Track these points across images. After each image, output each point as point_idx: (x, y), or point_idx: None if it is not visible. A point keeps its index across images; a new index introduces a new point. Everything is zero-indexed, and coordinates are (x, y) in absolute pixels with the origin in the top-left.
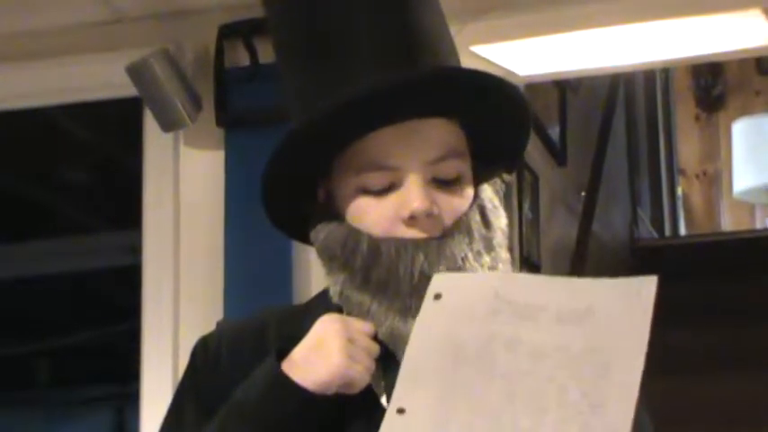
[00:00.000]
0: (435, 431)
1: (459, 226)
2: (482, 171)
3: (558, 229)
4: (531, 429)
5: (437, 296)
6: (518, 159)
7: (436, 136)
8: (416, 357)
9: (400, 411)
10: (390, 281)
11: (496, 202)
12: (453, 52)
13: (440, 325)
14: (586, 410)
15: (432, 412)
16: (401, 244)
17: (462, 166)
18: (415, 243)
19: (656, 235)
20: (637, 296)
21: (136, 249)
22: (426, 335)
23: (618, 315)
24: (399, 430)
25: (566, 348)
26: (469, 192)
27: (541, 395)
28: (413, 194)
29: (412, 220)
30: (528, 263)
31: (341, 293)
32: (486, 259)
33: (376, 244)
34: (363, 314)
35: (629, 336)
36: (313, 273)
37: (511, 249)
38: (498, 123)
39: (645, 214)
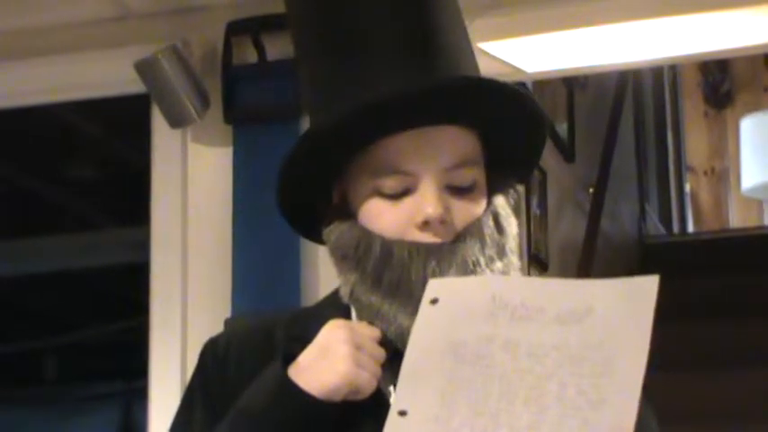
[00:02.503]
0: (438, 428)
1: (472, 231)
2: (496, 180)
3: (567, 225)
4: (532, 427)
5: (433, 301)
6: (532, 170)
7: (452, 143)
8: (416, 360)
9: (402, 413)
10: (402, 284)
11: (508, 209)
12: (471, 55)
13: (438, 328)
14: (587, 407)
15: (433, 413)
16: (414, 248)
17: (477, 174)
18: (428, 247)
19: (663, 231)
20: (638, 295)
21: (144, 246)
22: (425, 338)
23: (618, 314)
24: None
25: (565, 347)
26: (483, 199)
27: (541, 393)
28: (427, 200)
29: (425, 226)
30: (536, 260)
31: (351, 293)
32: (499, 265)
33: (389, 247)
34: (373, 315)
35: (630, 335)
36: (321, 269)
37: (519, 246)
38: (514, 134)
39: (653, 211)
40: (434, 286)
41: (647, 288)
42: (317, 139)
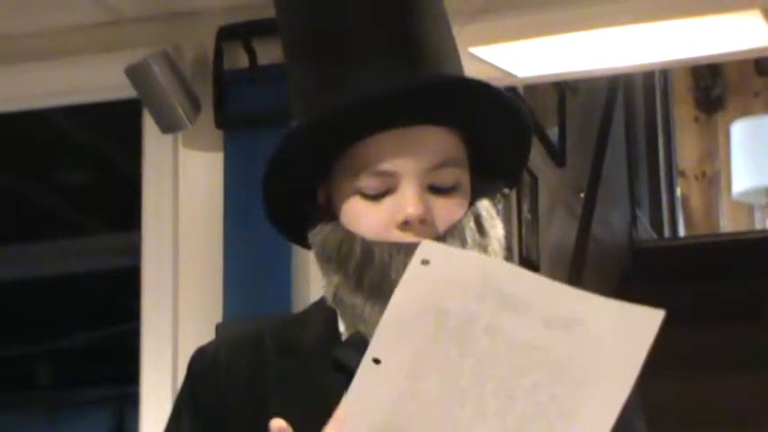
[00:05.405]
0: (407, 386)
1: (453, 232)
2: (482, 186)
3: (558, 230)
4: (499, 413)
5: (424, 261)
6: (519, 174)
7: (434, 143)
8: (398, 314)
9: (376, 361)
10: (383, 284)
11: (493, 212)
12: (456, 58)
13: (425, 289)
14: (555, 414)
15: (406, 370)
16: (394, 248)
17: (459, 175)
18: (408, 247)
19: (655, 236)
20: (638, 325)
21: (135, 251)
22: (410, 295)
23: (612, 336)
24: (373, 379)
25: (546, 350)
26: (465, 201)
27: (512, 386)
28: (407, 200)
29: (405, 225)
30: (527, 263)
31: (335, 296)
32: None
33: (369, 247)
34: (356, 318)
35: (619, 360)
36: (312, 274)
37: (510, 250)
38: (498, 136)
39: (644, 215)
40: (427, 248)
41: (649, 320)
42: (297, 141)
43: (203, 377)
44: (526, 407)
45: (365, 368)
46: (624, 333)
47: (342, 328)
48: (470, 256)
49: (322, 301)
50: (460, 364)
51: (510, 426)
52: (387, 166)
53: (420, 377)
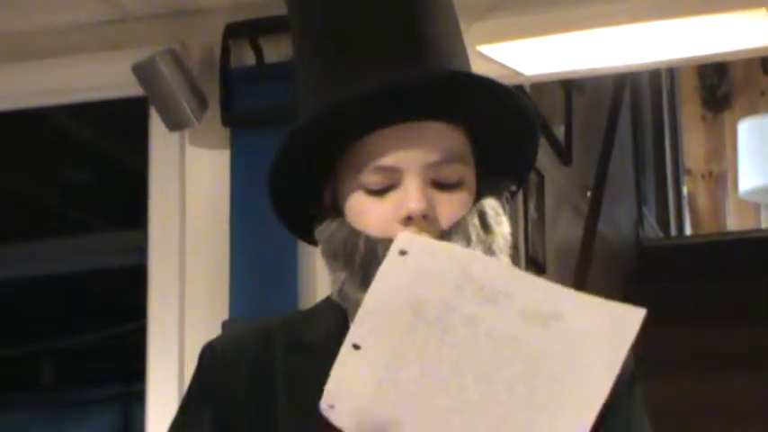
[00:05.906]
0: (387, 372)
1: (457, 229)
2: (488, 183)
3: (564, 228)
4: (480, 405)
5: (402, 252)
6: (527, 172)
7: (438, 139)
8: (376, 302)
9: (356, 347)
10: None
11: (499, 210)
12: (463, 54)
13: (403, 279)
14: (535, 407)
15: (385, 356)
16: None
17: (464, 172)
18: None
19: (661, 235)
20: (619, 323)
21: (141, 249)
22: (389, 284)
23: (591, 333)
24: (353, 364)
25: (524, 343)
26: (470, 198)
27: (492, 377)
28: (410, 195)
29: (408, 221)
30: (533, 263)
31: (340, 291)
32: None
33: (373, 244)
34: None
35: (598, 357)
36: (318, 272)
37: (516, 249)
38: (503, 133)
39: (650, 214)
40: (404, 239)
41: (630, 319)
42: (300, 137)
43: (212, 372)
44: (507, 397)
45: (345, 353)
46: (604, 330)
47: (350, 324)
48: (448, 247)
49: (330, 297)
50: (440, 353)
51: (491, 416)
52: (389, 161)
53: (400, 365)
